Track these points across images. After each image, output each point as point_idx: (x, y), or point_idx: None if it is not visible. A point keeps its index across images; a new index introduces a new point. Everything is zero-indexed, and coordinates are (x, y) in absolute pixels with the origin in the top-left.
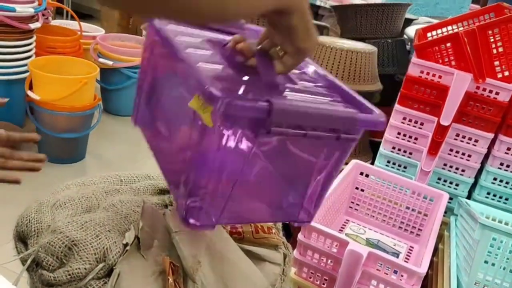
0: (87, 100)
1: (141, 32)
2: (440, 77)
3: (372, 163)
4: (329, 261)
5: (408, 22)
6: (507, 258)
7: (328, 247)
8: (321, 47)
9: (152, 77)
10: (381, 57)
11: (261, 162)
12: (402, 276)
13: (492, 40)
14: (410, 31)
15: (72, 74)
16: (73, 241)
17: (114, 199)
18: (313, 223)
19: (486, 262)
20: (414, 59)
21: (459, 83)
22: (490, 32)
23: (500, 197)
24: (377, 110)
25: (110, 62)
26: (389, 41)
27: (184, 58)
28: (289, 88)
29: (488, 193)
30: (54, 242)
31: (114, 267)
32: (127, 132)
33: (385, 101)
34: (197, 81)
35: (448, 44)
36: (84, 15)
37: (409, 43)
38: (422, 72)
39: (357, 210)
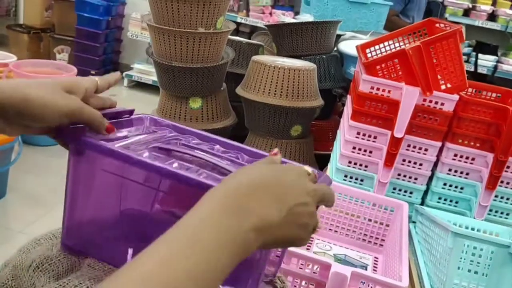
0: None
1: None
2: (389, 91)
3: None
4: (310, 284)
5: (337, 37)
6: (478, 263)
7: (309, 271)
8: (263, 66)
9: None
10: (317, 73)
11: None
12: None
13: (433, 55)
14: (342, 46)
15: None
16: None
17: None
18: (291, 248)
19: (459, 268)
20: (364, 75)
21: (409, 97)
22: (432, 47)
23: (451, 201)
24: None
25: None
26: (324, 57)
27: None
28: None
29: (440, 198)
30: None
31: None
32: (50, 163)
33: (324, 115)
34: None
35: (396, 60)
36: None
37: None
38: (372, 88)
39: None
